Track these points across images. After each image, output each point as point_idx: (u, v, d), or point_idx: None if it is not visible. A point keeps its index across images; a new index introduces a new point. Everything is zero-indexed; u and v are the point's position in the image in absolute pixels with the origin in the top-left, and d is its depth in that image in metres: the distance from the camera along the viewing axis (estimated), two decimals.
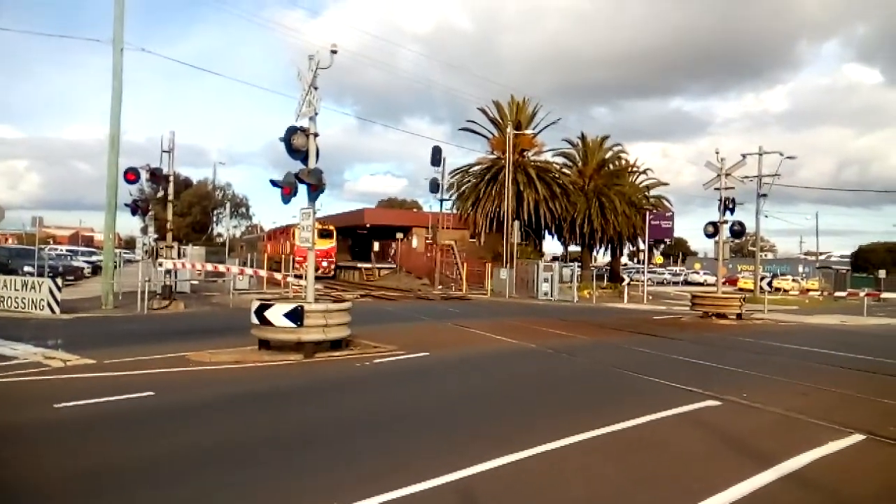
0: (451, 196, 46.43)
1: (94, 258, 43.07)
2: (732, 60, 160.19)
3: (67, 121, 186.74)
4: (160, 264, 22.40)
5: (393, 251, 53.80)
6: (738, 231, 24.85)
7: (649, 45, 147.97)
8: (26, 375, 9.81)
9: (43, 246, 34.13)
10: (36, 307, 18.57)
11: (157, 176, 22.55)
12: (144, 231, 23.51)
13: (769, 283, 35.55)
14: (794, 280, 57.96)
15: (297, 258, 37.16)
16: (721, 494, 5.31)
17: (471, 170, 48.05)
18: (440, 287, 39.63)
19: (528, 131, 45.09)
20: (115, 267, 23.36)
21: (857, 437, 7.28)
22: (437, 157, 39.27)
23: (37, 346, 12.62)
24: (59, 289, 18.82)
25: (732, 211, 24.21)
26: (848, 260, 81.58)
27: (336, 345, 12.75)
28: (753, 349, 15.92)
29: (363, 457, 6.33)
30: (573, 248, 51.03)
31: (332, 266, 48.97)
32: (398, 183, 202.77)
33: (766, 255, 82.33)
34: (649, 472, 6.09)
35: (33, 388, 9.19)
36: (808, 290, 49.64)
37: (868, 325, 24.93)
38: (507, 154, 40.64)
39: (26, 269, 24.06)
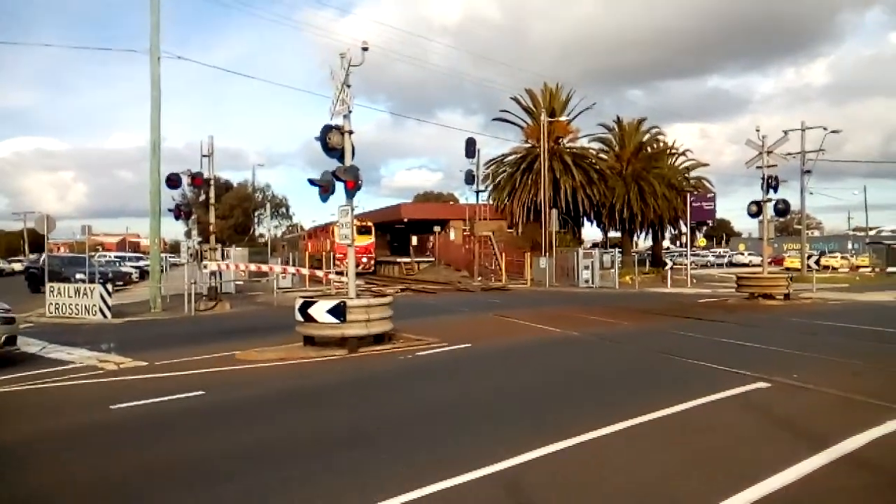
0: (486, 187, 46.31)
1: (141, 263, 44.25)
2: (770, 35, 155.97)
3: (110, 131, 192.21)
4: (205, 266, 22.88)
5: (431, 244, 53.94)
6: (782, 209, 24.18)
7: (683, 24, 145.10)
8: (83, 379, 10.16)
9: (92, 253, 35.13)
10: (88, 313, 19.16)
11: (198, 180, 23.00)
12: (188, 235, 24.07)
13: (817, 262, 34.72)
14: (843, 257, 56.30)
15: (337, 255, 37.54)
16: (775, 477, 5.21)
17: (506, 160, 47.86)
18: (479, 278, 39.62)
19: (563, 118, 44.65)
20: (162, 271, 23.97)
21: None
22: (471, 149, 39.16)
23: (91, 350, 13.04)
24: (109, 294, 19.41)
25: (776, 189, 23.58)
26: None
27: (379, 339, 12.86)
28: (802, 329, 15.56)
29: (410, 450, 6.39)
30: (613, 233, 50.50)
31: (372, 261, 49.37)
32: (434, 176, 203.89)
33: (812, 233, 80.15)
34: (700, 456, 6.01)
35: (90, 390, 9.50)
36: (859, 267, 48.22)
37: None
38: (541, 142, 40.34)
39: (78, 276, 24.76)
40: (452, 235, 51.14)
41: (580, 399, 8.60)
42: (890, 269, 38.00)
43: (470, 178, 39.83)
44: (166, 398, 8.51)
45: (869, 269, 44.27)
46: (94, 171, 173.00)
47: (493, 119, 51.25)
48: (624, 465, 5.79)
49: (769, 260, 26.92)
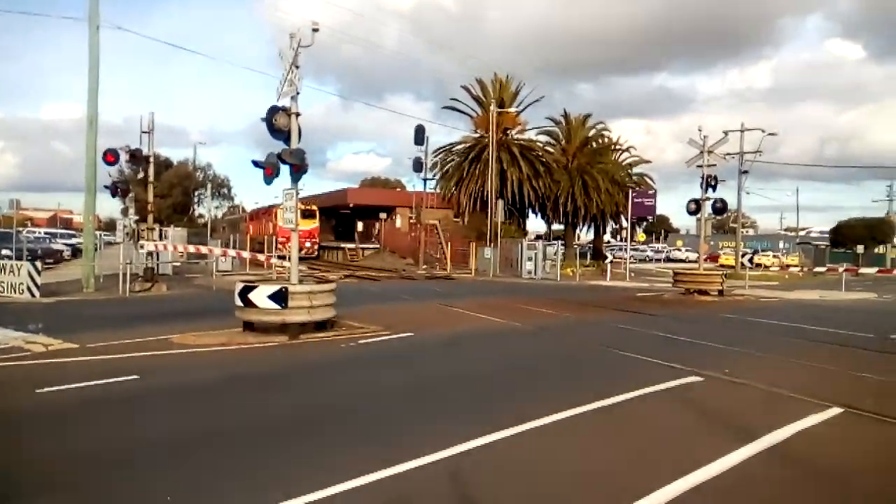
0: (434, 175, 46.17)
1: (73, 241, 42.49)
2: (716, 36, 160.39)
3: (44, 100, 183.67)
4: (141, 246, 22.18)
5: (377, 231, 53.68)
6: (719, 208, 24.96)
7: (633, 22, 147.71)
8: (7, 361, 9.69)
9: (21, 229, 33.66)
10: (15, 291, 18.32)
11: (136, 157, 22.20)
12: (125, 213, 23.32)
13: (750, 260, 35.97)
14: (774, 256, 58.50)
15: (279, 239, 36.97)
16: (705, 468, 5.39)
17: (454, 149, 47.84)
18: (424, 267, 39.64)
19: (512, 109, 44.92)
20: (96, 249, 23.12)
21: (835, 411, 7.41)
22: (420, 136, 38.99)
23: (17, 330, 12.45)
24: (38, 272, 18.57)
25: (714, 188, 24.32)
26: (827, 235, 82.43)
27: (321, 326, 12.73)
28: (735, 325, 16.13)
29: (353, 437, 6.36)
30: (557, 226, 51.20)
31: (316, 246, 48.78)
32: (382, 162, 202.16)
33: (747, 232, 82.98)
34: (634, 447, 6.18)
35: (15, 373, 9.09)
36: (789, 266, 50.15)
37: (846, 300, 25.31)
38: (490, 132, 40.53)
39: (4, 252, 23.70)
40: (399, 222, 50.98)
41: (521, 389, 8.71)
42: (817, 269, 39.67)
43: (418, 166, 39.68)
44: (98, 382, 8.22)
45: (798, 269, 46.13)
46: (26, 142, 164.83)
47: (444, 107, 51.21)
48: (563, 455, 5.91)
49: (705, 257, 27.77)
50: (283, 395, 8.23)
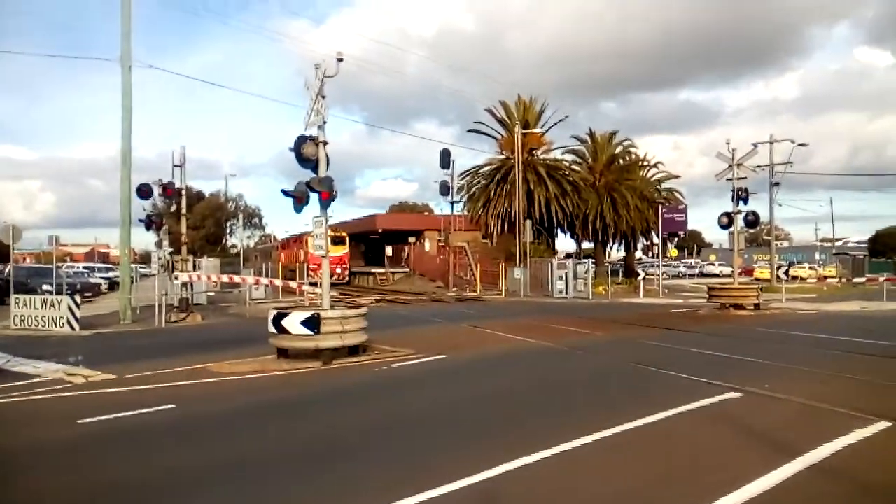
0: (461, 198, 46.39)
1: (110, 274, 43.43)
2: (741, 49, 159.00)
3: (79, 139, 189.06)
4: (176, 277, 22.56)
5: (406, 255, 53.89)
6: (752, 221, 24.60)
7: (656, 37, 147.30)
8: (49, 393, 9.91)
9: (60, 264, 34.49)
10: (56, 325, 18.74)
11: (169, 190, 22.72)
12: (159, 245, 23.77)
13: (786, 272, 35.22)
14: (811, 268, 57.31)
15: (311, 266, 37.30)
16: (747, 487, 5.26)
17: (480, 171, 48.03)
18: (454, 289, 39.63)
19: (536, 130, 45.01)
20: (132, 282, 23.61)
21: (882, 425, 7.19)
22: (446, 160, 39.28)
23: (58, 363, 12.74)
24: (77, 306, 18.99)
25: (746, 201, 23.99)
26: (865, 245, 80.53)
27: (353, 350, 12.78)
28: (773, 339, 15.79)
29: (386, 462, 6.34)
30: (586, 244, 50.90)
31: (346, 272, 49.11)
32: (409, 187, 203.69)
33: (781, 244, 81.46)
34: (673, 467, 6.06)
35: (57, 405, 9.28)
36: (826, 278, 49.13)
37: (888, 310, 24.61)
38: (515, 153, 40.58)
39: (45, 287, 24.28)
40: (427, 246, 51.13)
41: (555, 410, 8.61)
42: (856, 280, 38.71)
43: (445, 189, 39.91)
44: (136, 412, 8.34)
45: (836, 280, 45.12)
46: (63, 180, 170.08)
47: (468, 130, 51.49)
48: (599, 476, 5.82)
49: (739, 270, 27.31)
50: (317, 421, 8.26)
